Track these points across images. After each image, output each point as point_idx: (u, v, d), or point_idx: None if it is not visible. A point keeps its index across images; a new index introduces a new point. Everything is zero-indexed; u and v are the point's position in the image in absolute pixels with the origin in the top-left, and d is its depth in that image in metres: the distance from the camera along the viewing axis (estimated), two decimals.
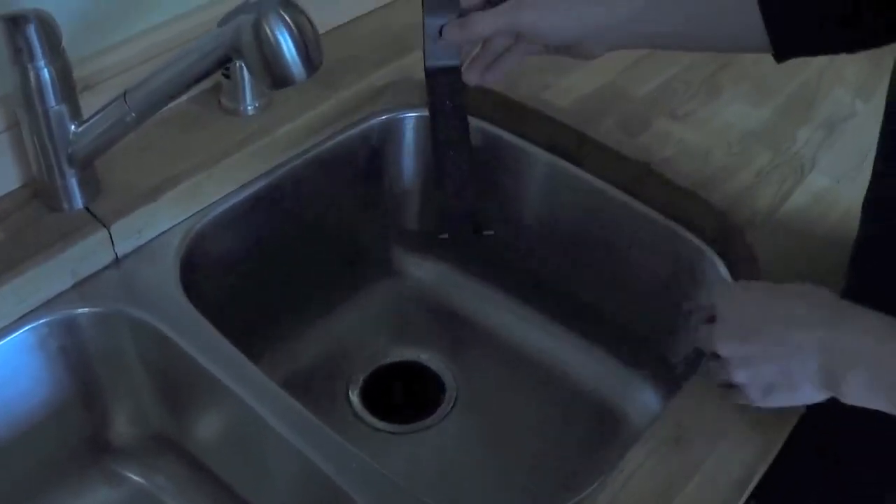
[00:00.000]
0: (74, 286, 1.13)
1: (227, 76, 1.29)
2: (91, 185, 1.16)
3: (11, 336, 1.09)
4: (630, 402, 1.39)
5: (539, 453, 1.35)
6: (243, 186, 1.27)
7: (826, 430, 1.02)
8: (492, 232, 1.11)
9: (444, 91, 1.13)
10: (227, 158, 1.24)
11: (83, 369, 1.17)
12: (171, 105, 1.08)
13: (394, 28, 1.51)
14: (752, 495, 0.99)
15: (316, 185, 1.37)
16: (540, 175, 1.40)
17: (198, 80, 1.02)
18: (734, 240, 1.22)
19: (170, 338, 1.08)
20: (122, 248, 1.16)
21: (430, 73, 1.13)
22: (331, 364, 1.44)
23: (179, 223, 1.21)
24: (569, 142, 1.36)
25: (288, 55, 0.93)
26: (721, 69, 1.50)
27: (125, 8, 1.23)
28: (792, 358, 0.91)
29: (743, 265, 1.20)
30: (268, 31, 0.92)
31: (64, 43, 1.06)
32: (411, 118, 1.43)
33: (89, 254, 1.13)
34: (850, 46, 1.08)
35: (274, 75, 0.95)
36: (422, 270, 1.56)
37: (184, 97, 1.16)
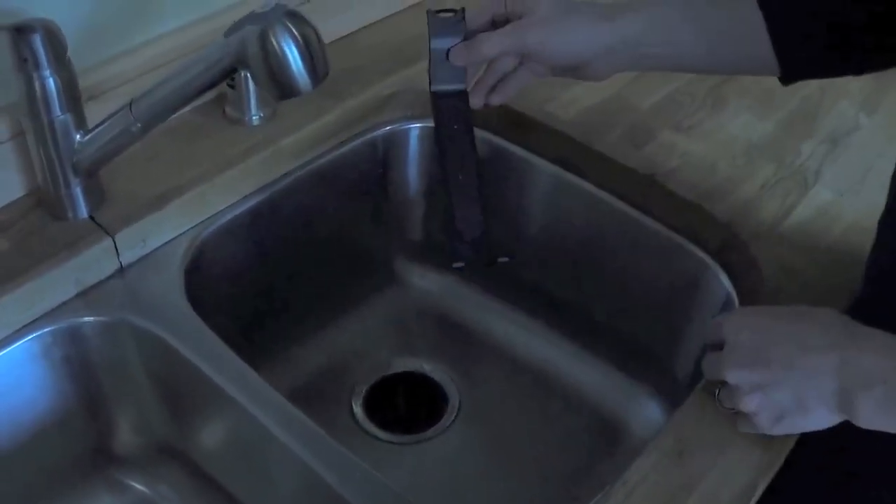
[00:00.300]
0: (79, 295, 1.13)
1: (231, 86, 1.29)
2: (96, 194, 1.16)
3: (16, 344, 1.09)
4: (633, 414, 1.39)
5: (542, 464, 1.35)
6: (248, 196, 1.27)
7: (828, 444, 1.02)
8: (506, 259, 1.12)
9: (451, 115, 1.13)
10: (232, 168, 1.24)
11: (87, 378, 1.17)
12: (176, 115, 1.08)
13: (399, 38, 1.52)
14: None
15: (320, 195, 1.37)
16: (544, 187, 1.40)
17: (203, 90, 1.02)
18: (738, 253, 1.22)
19: (174, 347, 1.08)
20: (127, 257, 1.16)
21: (437, 98, 1.13)
22: (334, 374, 1.44)
23: (184, 232, 1.21)
24: (573, 154, 1.36)
25: (294, 66, 0.93)
26: (725, 81, 1.50)
27: (131, 18, 1.24)
28: (807, 382, 0.91)
29: (746, 278, 1.20)
30: (274, 42, 0.93)
31: (69, 52, 1.06)
32: (416, 129, 1.43)
33: (94, 263, 1.14)
34: (858, 69, 1.09)
35: (280, 86, 0.95)
36: (425, 281, 1.56)
37: (188, 107, 1.17)
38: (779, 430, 0.95)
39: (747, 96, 1.48)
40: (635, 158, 1.33)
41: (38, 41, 1.03)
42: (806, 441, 1.01)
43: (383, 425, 1.38)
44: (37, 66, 1.04)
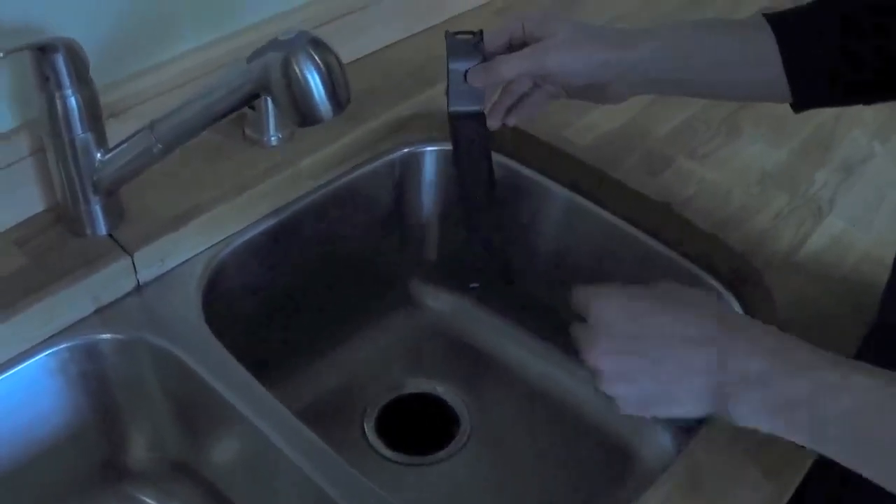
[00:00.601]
0: (96, 312, 1.14)
1: (251, 107, 1.29)
2: (115, 212, 1.17)
3: (33, 360, 1.10)
4: (644, 441, 1.38)
5: (552, 489, 1.35)
6: (266, 217, 1.28)
7: (838, 477, 1.02)
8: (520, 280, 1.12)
9: (469, 137, 1.14)
10: (251, 189, 1.25)
11: (102, 394, 1.18)
12: None
13: (418, 60, 1.52)
14: None
15: (337, 216, 1.38)
16: (559, 212, 1.41)
17: (225, 114, 1.03)
18: (752, 283, 1.22)
19: (189, 366, 1.09)
20: (145, 275, 1.17)
21: (455, 119, 1.14)
22: (347, 394, 1.45)
23: (202, 252, 1.22)
24: (589, 180, 1.36)
25: (316, 94, 0.94)
26: (741, 108, 1.51)
27: (152, 36, 1.24)
28: (679, 377, 0.88)
29: (760, 308, 1.20)
30: (297, 70, 0.93)
31: (91, 70, 1.07)
32: (433, 151, 1.44)
33: (112, 280, 1.14)
34: (869, 99, 1.10)
35: (302, 114, 0.96)
36: (440, 302, 1.57)
37: None
38: (642, 413, 0.93)
39: (762, 124, 1.48)
40: (651, 185, 1.33)
41: (60, 60, 1.03)
42: (821, 467, 1.00)
43: (394, 446, 1.38)
44: (59, 84, 1.05)
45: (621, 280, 1.34)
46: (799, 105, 1.05)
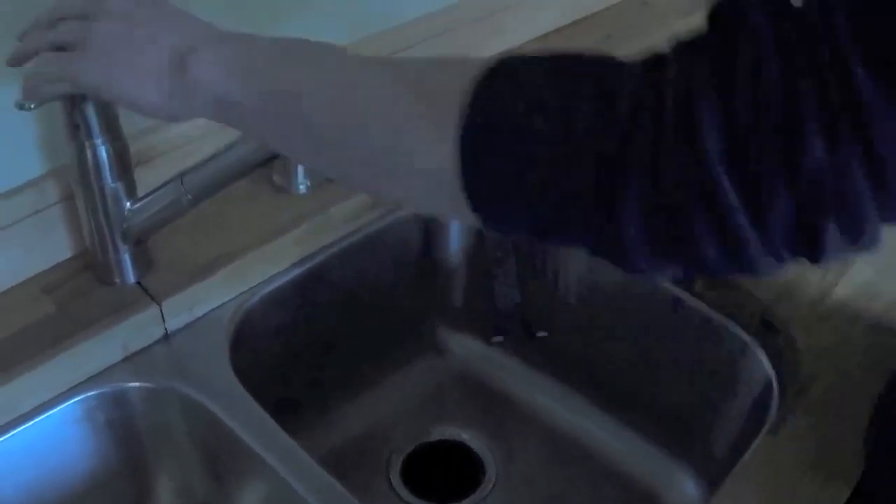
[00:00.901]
0: (124, 360, 1.14)
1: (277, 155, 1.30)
2: (143, 261, 1.18)
3: (60, 407, 1.10)
4: (670, 492, 1.38)
5: None
6: (294, 265, 1.29)
7: None
8: (545, 333, 1.12)
9: None
10: (280, 237, 1.25)
11: (129, 442, 1.18)
12: None
13: None
14: None
15: (364, 263, 1.38)
16: (583, 260, 1.40)
17: (254, 167, 1.04)
18: (778, 333, 1.22)
19: (216, 415, 1.09)
20: (173, 323, 1.17)
21: None
22: (372, 440, 1.44)
23: (230, 300, 1.22)
24: None
25: None
26: None
27: None
28: (141, 25, 0.87)
29: (786, 360, 1.20)
30: None
31: (121, 117, 1.08)
32: None
33: (140, 329, 1.15)
34: None
35: None
36: (466, 349, 1.57)
37: None
38: (96, 79, 0.90)
39: None
40: None
41: (90, 109, 1.04)
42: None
43: (420, 493, 1.37)
44: (89, 133, 1.05)
45: (648, 331, 1.35)
46: None
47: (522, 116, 0.65)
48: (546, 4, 1.64)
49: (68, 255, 1.21)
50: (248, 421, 1.09)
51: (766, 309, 1.24)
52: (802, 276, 1.28)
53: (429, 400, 1.52)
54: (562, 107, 0.64)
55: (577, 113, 0.63)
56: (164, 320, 1.16)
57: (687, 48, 0.62)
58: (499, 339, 1.12)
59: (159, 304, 1.15)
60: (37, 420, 1.09)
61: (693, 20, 0.63)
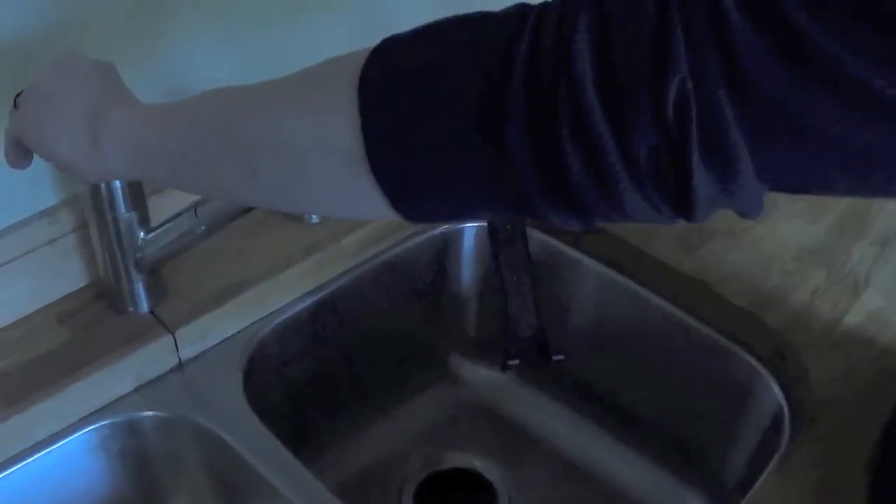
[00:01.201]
0: (137, 389, 1.15)
1: None
2: (157, 290, 1.18)
3: (74, 436, 1.11)
4: None
5: None
6: (307, 294, 1.29)
7: None
8: (562, 357, 1.12)
9: (503, 218, 1.14)
10: (292, 267, 1.26)
11: (143, 470, 1.19)
12: None
13: None
14: None
15: (377, 292, 1.39)
16: (595, 288, 1.41)
17: None
18: (790, 362, 1.22)
19: (229, 444, 1.10)
20: (186, 353, 1.18)
21: None
22: (385, 468, 1.45)
23: (243, 329, 1.23)
24: (625, 256, 1.37)
25: None
26: None
27: None
28: (76, 84, 0.90)
29: (797, 388, 1.20)
30: None
31: None
32: (472, 227, 1.45)
33: (154, 358, 1.15)
34: None
35: None
36: (479, 377, 1.57)
37: None
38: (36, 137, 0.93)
39: (798, 199, 1.48)
40: (687, 263, 1.34)
41: None
42: None
43: None
44: None
45: (660, 358, 1.35)
46: None
47: (411, 73, 0.66)
48: None
49: (82, 284, 1.22)
50: (261, 449, 1.09)
51: (778, 336, 1.24)
52: (813, 304, 1.28)
53: (441, 428, 1.52)
54: (444, 57, 0.65)
55: (458, 61, 0.64)
56: (177, 349, 1.17)
57: None
58: (514, 362, 1.12)
59: (173, 333, 1.16)
60: (51, 449, 1.09)
61: None
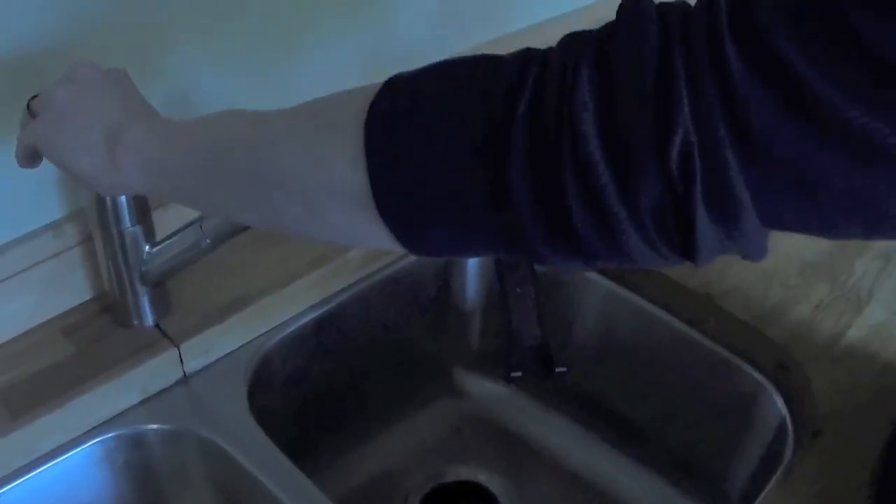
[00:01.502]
0: (142, 402, 1.15)
1: None
2: (162, 303, 1.19)
3: (79, 449, 1.11)
4: None
5: None
6: (311, 307, 1.29)
7: None
8: (564, 369, 1.12)
9: None
10: (297, 280, 1.26)
11: (148, 483, 1.19)
12: None
13: None
14: None
15: (382, 305, 1.39)
16: (600, 302, 1.41)
17: None
18: (793, 375, 1.22)
19: (234, 456, 1.10)
20: (191, 366, 1.18)
21: None
22: (389, 481, 1.45)
23: (248, 343, 1.23)
24: (629, 270, 1.37)
25: None
26: None
27: None
28: (95, 97, 0.91)
29: (800, 401, 1.20)
30: None
31: None
32: None
33: (158, 371, 1.15)
34: None
35: None
36: (483, 390, 1.57)
37: None
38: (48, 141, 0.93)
39: None
40: (691, 277, 1.34)
41: None
42: None
43: None
44: None
45: (664, 371, 1.35)
46: None
47: (414, 112, 0.66)
48: None
49: (87, 297, 1.22)
50: (265, 462, 1.09)
51: (781, 350, 1.24)
52: (816, 317, 1.28)
53: (445, 441, 1.52)
54: (449, 98, 0.66)
55: (462, 102, 0.65)
56: (182, 362, 1.17)
57: (568, 36, 0.63)
58: (517, 374, 1.13)
59: (178, 347, 1.16)
60: (56, 461, 1.09)
61: None
